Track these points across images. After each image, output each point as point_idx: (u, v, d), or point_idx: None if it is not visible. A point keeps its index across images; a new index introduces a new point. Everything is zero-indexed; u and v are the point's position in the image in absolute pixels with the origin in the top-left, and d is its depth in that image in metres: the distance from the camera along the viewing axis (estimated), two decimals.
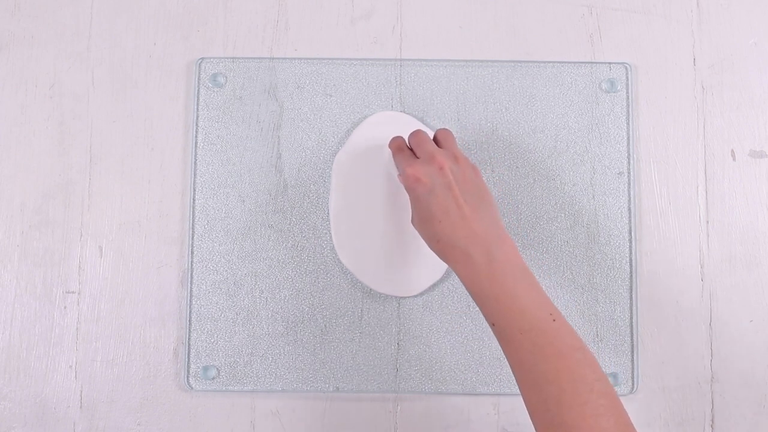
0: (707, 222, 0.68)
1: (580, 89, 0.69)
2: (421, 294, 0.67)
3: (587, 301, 0.67)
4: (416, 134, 0.61)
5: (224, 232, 0.67)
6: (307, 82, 0.69)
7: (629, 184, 0.68)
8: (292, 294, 0.67)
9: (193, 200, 0.67)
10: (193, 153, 0.68)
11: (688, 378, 0.67)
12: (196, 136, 0.68)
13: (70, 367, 0.67)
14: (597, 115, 0.68)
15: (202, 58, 0.69)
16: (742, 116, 0.69)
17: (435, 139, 0.62)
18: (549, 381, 0.50)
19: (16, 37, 0.69)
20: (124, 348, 0.67)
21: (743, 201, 0.68)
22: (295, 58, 0.69)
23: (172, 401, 0.67)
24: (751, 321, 0.67)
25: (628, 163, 0.68)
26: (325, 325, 0.67)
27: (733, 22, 0.70)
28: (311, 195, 0.68)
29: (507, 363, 0.54)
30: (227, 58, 0.69)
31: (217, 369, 0.66)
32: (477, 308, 0.55)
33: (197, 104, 0.68)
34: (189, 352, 0.66)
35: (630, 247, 0.67)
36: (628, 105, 0.68)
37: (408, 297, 0.67)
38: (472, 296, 0.55)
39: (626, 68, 0.69)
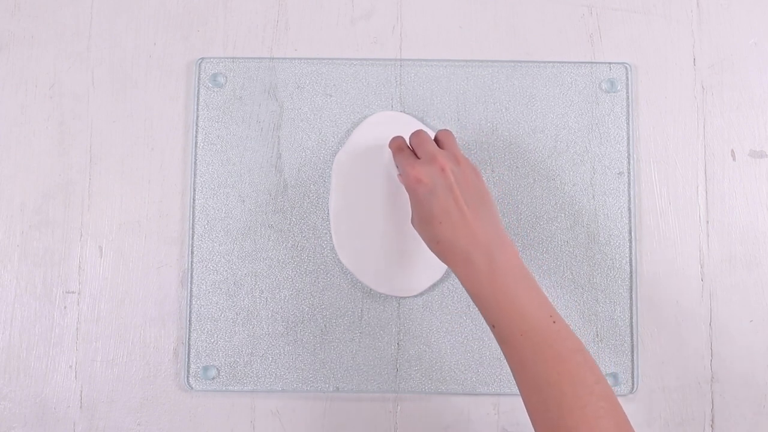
0: (707, 222, 0.68)
1: (580, 89, 0.69)
2: (421, 294, 0.67)
3: (587, 301, 0.67)
4: (417, 134, 0.61)
5: (224, 232, 0.67)
6: (307, 82, 0.69)
7: (629, 184, 0.68)
8: (292, 294, 0.67)
9: (193, 200, 0.67)
10: (193, 153, 0.68)
11: (688, 378, 0.67)
12: (196, 136, 0.68)
13: (70, 367, 0.67)
14: (597, 115, 0.68)
15: (202, 58, 0.69)
16: (742, 116, 0.69)
17: (436, 140, 0.62)
18: (549, 383, 0.50)
19: (16, 37, 0.69)
20: (124, 348, 0.67)
21: (743, 201, 0.68)
22: (295, 58, 0.69)
23: (172, 401, 0.67)
24: (751, 321, 0.67)
25: (628, 163, 0.68)
26: (325, 325, 0.67)
27: (733, 22, 0.70)
28: (311, 195, 0.68)
29: (507, 363, 0.54)
30: (227, 58, 0.69)
31: (217, 369, 0.66)
32: (477, 308, 0.55)
33: (197, 104, 0.68)
34: (189, 352, 0.66)
35: (630, 247, 0.67)
36: (628, 105, 0.68)
37: (408, 297, 0.67)
38: (471, 298, 0.55)
39: (626, 68, 0.69)
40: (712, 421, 0.66)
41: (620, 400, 0.52)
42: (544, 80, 0.69)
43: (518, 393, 0.53)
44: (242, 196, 0.68)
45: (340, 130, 0.68)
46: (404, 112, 0.68)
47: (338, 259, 0.66)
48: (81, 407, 0.66)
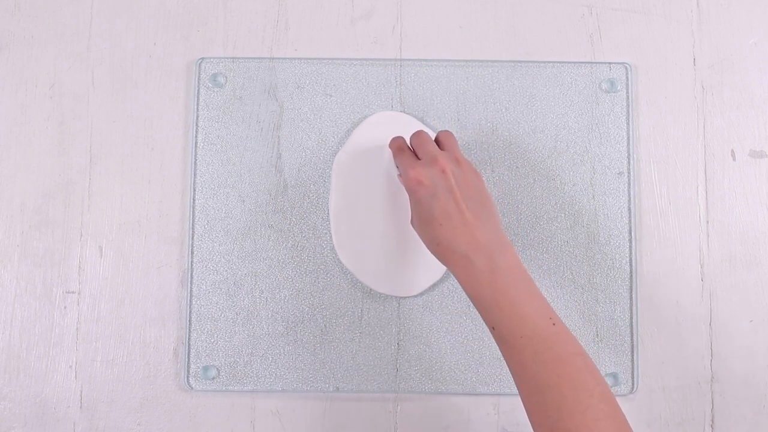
0: (707, 222, 0.68)
1: (580, 89, 0.69)
2: (421, 294, 0.67)
3: (587, 301, 0.67)
4: (418, 135, 0.61)
5: (224, 232, 0.67)
6: (307, 82, 0.69)
7: (629, 184, 0.68)
8: (292, 294, 0.67)
9: (193, 200, 0.67)
10: (193, 153, 0.68)
11: (688, 378, 0.67)
12: (196, 136, 0.68)
13: (70, 367, 0.67)
14: (597, 115, 0.68)
15: (202, 58, 0.69)
16: (742, 116, 0.69)
17: (437, 141, 0.61)
18: (549, 386, 0.50)
19: (16, 37, 0.69)
20: (124, 348, 0.67)
21: (743, 201, 0.68)
22: (295, 58, 0.69)
23: (172, 401, 0.67)
24: (751, 321, 0.67)
25: (628, 163, 0.68)
26: (325, 325, 0.67)
27: (733, 22, 0.70)
28: (311, 195, 0.68)
29: (506, 365, 0.54)
30: (227, 58, 0.69)
31: (217, 369, 0.66)
32: (476, 310, 0.55)
33: (197, 104, 0.68)
34: (189, 352, 0.66)
35: (630, 247, 0.67)
36: (628, 105, 0.68)
37: (408, 297, 0.67)
38: (471, 300, 0.55)
39: (626, 68, 0.69)
40: (712, 421, 0.66)
41: (620, 400, 0.52)
42: (544, 80, 0.69)
43: (518, 393, 0.53)
44: (242, 196, 0.68)
45: (340, 130, 0.68)
46: (404, 112, 0.68)
47: (338, 259, 0.66)
48: (81, 407, 0.66)
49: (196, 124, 0.68)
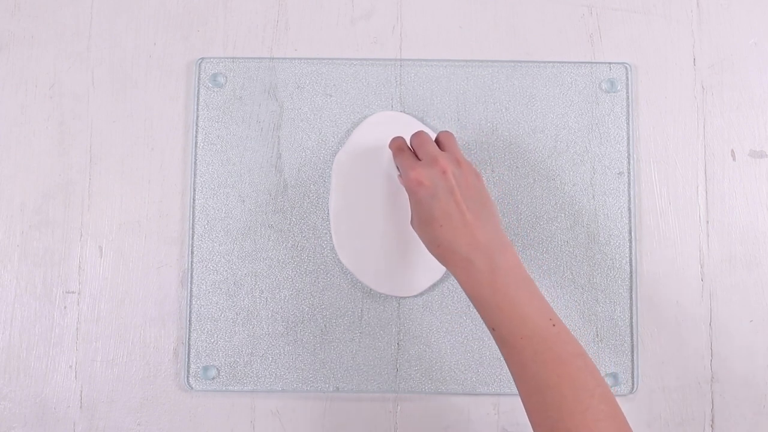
0: (707, 222, 0.68)
1: (580, 89, 0.69)
2: (421, 294, 0.67)
3: (587, 301, 0.67)
4: (418, 135, 0.61)
5: (224, 232, 0.67)
6: (307, 82, 0.69)
7: (629, 184, 0.68)
8: (292, 294, 0.67)
9: (193, 200, 0.67)
10: (193, 153, 0.68)
11: (688, 378, 0.67)
12: (196, 136, 0.68)
13: (70, 367, 0.67)
14: (597, 115, 0.68)
15: (202, 58, 0.69)
16: (742, 116, 0.69)
17: (437, 141, 0.61)
18: (549, 387, 0.50)
19: (16, 37, 0.69)
20: (124, 348, 0.67)
21: (743, 201, 0.68)
22: (295, 58, 0.69)
23: (172, 401, 0.67)
24: (751, 321, 0.67)
25: (628, 163, 0.68)
26: (325, 325, 0.67)
27: (733, 22, 0.70)
28: (311, 195, 0.68)
29: (506, 365, 0.54)
30: (227, 58, 0.69)
31: (217, 369, 0.66)
32: (476, 311, 0.55)
33: (197, 104, 0.68)
34: (189, 352, 0.66)
35: (630, 247, 0.67)
36: (628, 105, 0.68)
37: (408, 297, 0.67)
38: (471, 301, 0.55)
39: (626, 68, 0.69)
40: (712, 421, 0.66)
41: (620, 400, 0.52)
42: (544, 80, 0.69)
43: (518, 393, 0.53)
44: (242, 196, 0.68)
45: (340, 130, 0.68)
46: (404, 112, 0.68)
47: (338, 259, 0.66)
48: (81, 407, 0.66)
49: (196, 124, 0.68)
